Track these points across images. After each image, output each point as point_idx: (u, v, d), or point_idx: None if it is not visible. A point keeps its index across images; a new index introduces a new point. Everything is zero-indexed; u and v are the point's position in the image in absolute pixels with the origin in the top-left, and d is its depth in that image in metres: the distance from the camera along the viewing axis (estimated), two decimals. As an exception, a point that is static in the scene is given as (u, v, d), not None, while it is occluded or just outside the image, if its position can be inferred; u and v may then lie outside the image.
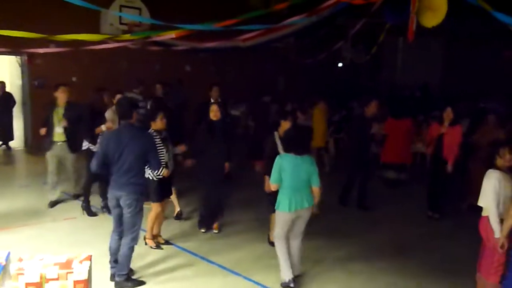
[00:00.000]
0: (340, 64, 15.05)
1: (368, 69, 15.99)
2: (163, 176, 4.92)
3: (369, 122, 7.04)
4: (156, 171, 4.46)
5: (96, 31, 9.46)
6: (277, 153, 5.16)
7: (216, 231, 5.90)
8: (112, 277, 4.47)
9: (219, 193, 5.82)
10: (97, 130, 6.10)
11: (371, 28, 10.00)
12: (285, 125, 5.17)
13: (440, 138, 6.51)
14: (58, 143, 6.44)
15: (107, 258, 4.54)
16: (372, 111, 6.95)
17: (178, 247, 5.48)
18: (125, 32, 9.38)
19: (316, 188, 4.48)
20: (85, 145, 6.35)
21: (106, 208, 6.29)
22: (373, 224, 6.51)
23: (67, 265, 2.76)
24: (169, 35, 7.16)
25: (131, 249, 4.38)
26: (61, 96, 6.41)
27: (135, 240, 4.39)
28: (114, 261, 4.47)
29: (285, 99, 11.51)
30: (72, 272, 2.69)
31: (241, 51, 10.26)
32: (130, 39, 7.98)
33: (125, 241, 4.36)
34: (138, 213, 4.37)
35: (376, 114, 7.15)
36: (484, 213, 4.11)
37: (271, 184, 4.46)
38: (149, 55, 10.11)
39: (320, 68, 13.90)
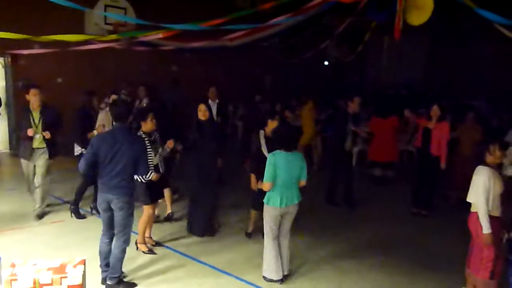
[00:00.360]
0: (326, 63, 15.13)
1: (354, 67, 16.10)
2: (152, 180, 4.87)
3: (351, 119, 7.07)
4: (144, 175, 4.36)
5: (81, 31, 9.34)
6: (260, 152, 5.29)
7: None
8: (103, 281, 4.43)
9: (209, 196, 5.76)
10: (90, 135, 6.03)
11: (356, 27, 10.07)
12: (272, 124, 5.22)
13: (428, 134, 6.60)
14: (38, 150, 6.01)
15: (97, 261, 4.50)
16: (354, 107, 7.00)
17: (169, 248, 5.45)
18: (110, 32, 9.28)
19: (303, 181, 4.61)
20: (78, 150, 6.27)
21: (95, 210, 6.23)
22: (361, 222, 6.58)
23: (60, 269, 2.73)
24: (156, 35, 7.14)
25: (123, 251, 4.35)
26: (33, 99, 5.91)
27: (127, 242, 4.35)
28: (106, 265, 4.43)
29: (274, 99, 11.51)
30: (66, 277, 2.66)
31: (228, 50, 10.26)
32: (116, 39, 7.92)
33: (117, 243, 4.33)
34: (130, 215, 4.35)
35: (359, 111, 7.20)
36: (473, 209, 4.15)
37: (266, 182, 4.45)
38: (135, 56, 10.04)
39: (307, 67, 13.96)
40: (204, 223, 5.77)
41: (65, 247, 5.27)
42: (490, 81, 13.34)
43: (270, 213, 4.57)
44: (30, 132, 5.84)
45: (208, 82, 8.36)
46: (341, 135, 7.03)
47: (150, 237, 5.50)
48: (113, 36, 7.56)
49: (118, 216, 4.26)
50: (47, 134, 5.87)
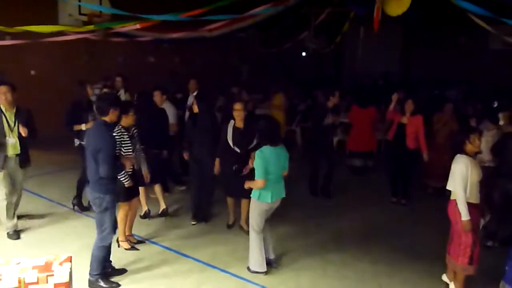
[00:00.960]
0: (303, 54, 15.16)
1: (331, 58, 16.19)
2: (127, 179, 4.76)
3: (330, 112, 7.11)
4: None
5: (54, 22, 9.06)
6: (227, 141, 5.43)
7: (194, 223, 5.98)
8: None
9: (204, 187, 5.91)
10: (76, 127, 5.89)
11: (334, 18, 10.12)
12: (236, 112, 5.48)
13: (402, 128, 6.68)
14: (11, 158, 5.22)
15: (80, 257, 4.42)
16: (335, 101, 7.04)
17: (154, 243, 5.40)
18: (85, 23, 9.04)
19: (286, 171, 4.67)
20: (76, 141, 6.07)
21: (78, 206, 6.17)
22: (343, 212, 6.64)
23: (46, 268, 2.66)
24: (133, 26, 7.00)
25: (100, 250, 4.25)
26: (2, 99, 5.07)
27: (104, 240, 4.25)
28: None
29: (250, 90, 11.48)
30: (52, 275, 2.60)
31: (206, 41, 10.16)
32: (92, 31, 7.73)
33: (96, 241, 4.25)
34: (104, 212, 4.19)
35: (338, 104, 7.26)
36: (452, 197, 4.24)
37: (259, 179, 4.39)
38: (111, 47, 9.83)
39: (285, 58, 13.97)
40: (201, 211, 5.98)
41: (46, 244, 5.16)
42: (464, 70, 13.63)
43: (260, 208, 4.57)
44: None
45: (187, 73, 8.28)
46: (320, 128, 7.07)
47: (132, 235, 5.40)
48: (89, 27, 7.37)
49: (95, 211, 4.20)
50: (24, 131, 5.09)
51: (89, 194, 4.28)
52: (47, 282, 2.59)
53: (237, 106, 5.50)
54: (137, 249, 5.19)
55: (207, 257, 5.07)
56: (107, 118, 4.18)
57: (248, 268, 4.77)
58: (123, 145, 4.83)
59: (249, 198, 4.69)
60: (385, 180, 7.44)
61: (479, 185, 4.17)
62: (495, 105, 9.26)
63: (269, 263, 4.79)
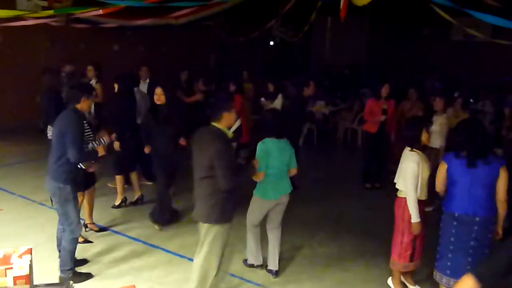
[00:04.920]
0: (271, 43, 15.14)
1: (299, 48, 16.22)
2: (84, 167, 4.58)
3: (306, 102, 7.14)
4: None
5: (12, 6, 8.67)
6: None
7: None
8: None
9: (159, 184, 5.53)
10: None
11: (301, 7, 10.11)
12: None
13: (384, 113, 6.83)
14: None
15: (42, 250, 4.30)
16: (310, 92, 7.08)
17: (118, 233, 5.31)
18: (44, 8, 8.68)
19: (294, 169, 4.45)
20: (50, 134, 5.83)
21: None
22: (311, 200, 6.64)
23: (4, 260, 2.55)
24: (96, 12, 6.78)
25: (72, 242, 4.12)
26: None
27: (74, 232, 4.12)
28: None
29: (219, 79, 11.35)
30: (11, 268, 2.49)
31: (172, 29, 9.97)
32: (51, 16, 7.44)
33: (65, 234, 4.12)
34: (66, 203, 4.03)
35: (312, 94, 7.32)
36: (400, 195, 4.06)
37: (259, 172, 4.11)
38: (72, 33, 9.52)
39: (252, 47, 13.89)
40: (166, 214, 5.55)
41: (7, 237, 4.95)
42: (427, 61, 13.95)
43: (260, 204, 4.37)
44: None
45: (152, 62, 8.10)
46: (297, 117, 7.08)
47: (93, 223, 5.30)
48: (50, 12, 7.08)
49: (55, 204, 4.05)
50: None
51: (48, 184, 4.03)
52: (5, 276, 2.48)
53: (157, 90, 5.33)
54: (91, 242, 5.06)
55: (175, 247, 5.02)
56: (78, 106, 4.05)
57: (245, 262, 4.67)
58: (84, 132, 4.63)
59: None
60: (353, 167, 7.44)
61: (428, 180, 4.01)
62: (456, 95, 9.56)
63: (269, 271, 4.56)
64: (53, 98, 5.66)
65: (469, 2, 5.04)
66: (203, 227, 3.62)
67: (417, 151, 4.00)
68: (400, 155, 4.14)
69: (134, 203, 6.14)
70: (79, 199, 4.88)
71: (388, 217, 4.33)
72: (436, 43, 14.05)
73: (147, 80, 7.48)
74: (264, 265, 4.62)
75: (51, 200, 5.60)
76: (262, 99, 8.67)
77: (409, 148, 4.03)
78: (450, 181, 3.72)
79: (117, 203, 6.05)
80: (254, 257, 4.61)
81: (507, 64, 12.24)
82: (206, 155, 3.44)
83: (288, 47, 15.74)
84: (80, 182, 4.62)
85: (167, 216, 5.55)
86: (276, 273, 4.51)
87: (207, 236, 3.61)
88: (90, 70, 7.55)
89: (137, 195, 6.18)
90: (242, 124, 7.10)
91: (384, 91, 6.83)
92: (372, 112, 6.92)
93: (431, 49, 14.13)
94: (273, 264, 4.52)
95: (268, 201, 4.33)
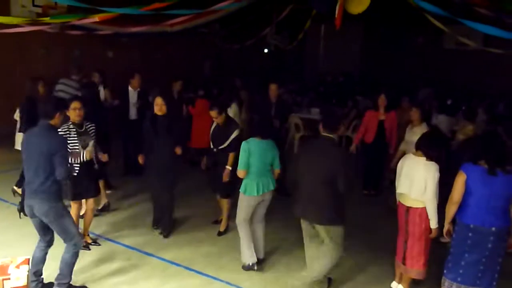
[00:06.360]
0: (265, 50, 15.20)
1: (293, 55, 16.30)
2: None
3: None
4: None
5: (6, 13, 8.64)
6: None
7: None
8: None
9: (166, 196, 5.45)
10: None
11: (296, 15, 10.18)
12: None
13: (381, 124, 6.84)
14: None
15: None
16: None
17: (111, 240, 5.28)
18: (39, 14, 8.67)
19: (277, 170, 4.73)
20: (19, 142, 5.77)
21: (22, 211, 5.59)
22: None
23: (2, 271, 2.53)
24: (91, 19, 6.76)
25: (75, 256, 4.01)
26: None
27: (78, 245, 4.03)
28: (34, 273, 3.71)
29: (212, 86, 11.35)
30: (9, 278, 2.48)
31: (167, 36, 9.98)
32: (47, 23, 7.41)
33: (67, 247, 3.99)
34: (62, 218, 3.92)
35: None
36: (417, 205, 4.01)
37: (240, 170, 4.52)
38: (67, 40, 9.49)
39: (247, 54, 13.94)
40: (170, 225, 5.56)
41: (2, 247, 4.87)
42: (421, 70, 14.06)
43: (248, 201, 4.63)
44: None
45: (147, 68, 8.08)
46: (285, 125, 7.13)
47: (88, 235, 5.21)
48: (45, 19, 7.06)
49: (48, 223, 3.89)
50: None
51: (39, 206, 3.83)
52: (3, 286, 2.46)
53: (158, 100, 5.25)
54: (89, 249, 5.04)
55: (171, 255, 4.99)
56: (52, 122, 3.95)
57: (244, 267, 4.74)
58: (69, 142, 4.54)
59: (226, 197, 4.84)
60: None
61: None
62: (449, 102, 9.64)
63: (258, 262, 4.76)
64: (30, 107, 5.70)
65: (461, 11, 5.11)
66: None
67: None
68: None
69: (101, 210, 6.07)
70: (74, 206, 4.90)
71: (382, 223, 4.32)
72: (429, 52, 14.17)
73: (138, 89, 7.47)
74: (260, 262, 4.79)
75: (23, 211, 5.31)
76: None
77: (424, 158, 3.99)
78: (467, 191, 3.73)
79: (99, 207, 6.07)
80: (248, 256, 4.71)
81: (499, 72, 12.36)
82: (328, 163, 3.92)
83: (282, 55, 15.81)
84: (72, 191, 4.64)
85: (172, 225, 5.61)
86: (261, 262, 4.80)
87: (332, 235, 4.13)
88: (96, 77, 7.58)
89: (103, 202, 6.13)
90: (195, 128, 7.65)
91: (381, 102, 6.86)
92: (368, 127, 6.94)
93: (424, 57, 14.24)
94: (259, 253, 4.82)
95: (253, 197, 4.59)
